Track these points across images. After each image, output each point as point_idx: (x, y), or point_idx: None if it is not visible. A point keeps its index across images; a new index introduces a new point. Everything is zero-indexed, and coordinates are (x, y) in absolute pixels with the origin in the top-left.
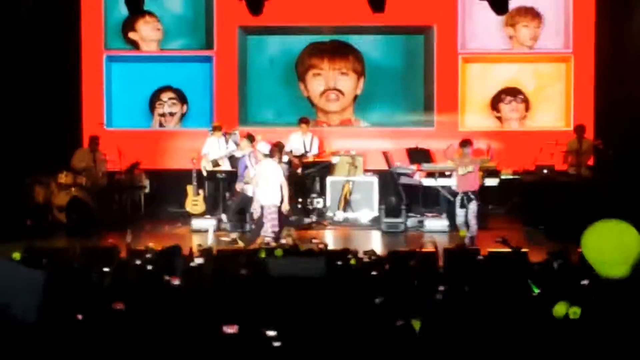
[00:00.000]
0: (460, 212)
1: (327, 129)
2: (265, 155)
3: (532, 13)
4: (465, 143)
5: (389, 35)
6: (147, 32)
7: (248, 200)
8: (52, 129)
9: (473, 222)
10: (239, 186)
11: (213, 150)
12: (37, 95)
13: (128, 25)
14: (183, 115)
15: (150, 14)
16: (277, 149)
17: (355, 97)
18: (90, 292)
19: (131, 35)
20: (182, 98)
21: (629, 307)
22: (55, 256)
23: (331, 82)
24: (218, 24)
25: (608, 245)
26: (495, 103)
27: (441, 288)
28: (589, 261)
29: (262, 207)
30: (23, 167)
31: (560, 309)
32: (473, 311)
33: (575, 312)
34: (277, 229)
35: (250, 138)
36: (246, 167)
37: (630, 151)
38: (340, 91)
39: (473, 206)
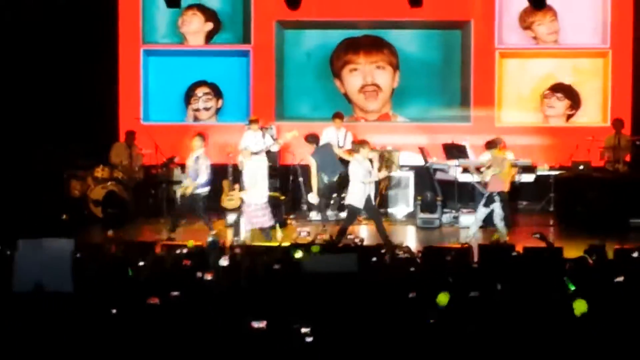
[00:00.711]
0: (482, 210)
1: (362, 124)
2: (253, 153)
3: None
4: (490, 145)
5: (425, 30)
6: (194, 25)
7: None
8: (89, 123)
9: (500, 225)
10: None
11: (251, 145)
12: (75, 89)
13: (178, 17)
14: (218, 110)
15: (199, 6)
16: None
17: (393, 91)
18: (126, 285)
19: (181, 27)
20: (217, 93)
21: None
22: (91, 250)
23: (368, 77)
24: (256, 18)
25: None
26: (542, 98)
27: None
28: None
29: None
30: (60, 161)
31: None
32: (507, 308)
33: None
34: (265, 225)
35: (202, 137)
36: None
37: None
38: (378, 86)
39: (497, 209)
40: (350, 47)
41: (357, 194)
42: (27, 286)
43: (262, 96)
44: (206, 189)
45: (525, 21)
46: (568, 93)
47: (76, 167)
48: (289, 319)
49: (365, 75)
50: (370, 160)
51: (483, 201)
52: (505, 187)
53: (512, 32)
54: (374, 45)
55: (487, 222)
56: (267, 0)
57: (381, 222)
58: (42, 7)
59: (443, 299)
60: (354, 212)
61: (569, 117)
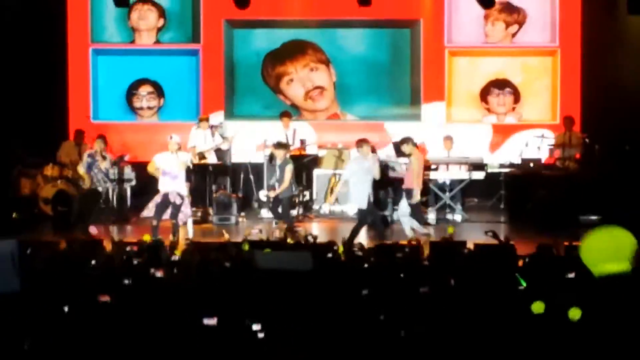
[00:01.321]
0: (404, 205)
1: (313, 122)
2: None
3: (501, 7)
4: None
5: (375, 28)
6: (149, 21)
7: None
8: (39, 121)
9: (405, 219)
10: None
11: (199, 143)
12: (24, 88)
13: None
14: (159, 109)
15: (152, 2)
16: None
17: (334, 85)
18: (77, 284)
19: (134, 22)
20: (159, 91)
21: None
22: (42, 248)
23: (307, 82)
24: (205, 17)
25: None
26: (484, 95)
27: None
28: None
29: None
30: (9, 160)
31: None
32: (459, 305)
33: (574, 314)
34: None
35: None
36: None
37: (616, 145)
38: (320, 87)
39: (404, 204)
40: (275, 60)
41: (361, 195)
42: None
43: (211, 95)
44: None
45: (487, 17)
46: (512, 88)
47: (26, 166)
48: (240, 315)
49: (304, 82)
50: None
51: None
52: (410, 184)
53: (462, 30)
54: (297, 50)
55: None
56: (216, 0)
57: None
58: None
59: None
60: (366, 213)
61: (511, 111)
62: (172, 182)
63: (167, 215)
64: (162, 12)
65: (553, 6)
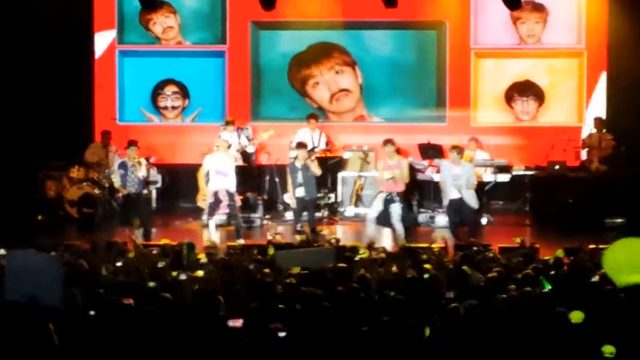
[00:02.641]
0: (375, 208)
1: (337, 124)
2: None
3: (530, 7)
4: (387, 142)
5: (401, 30)
6: (165, 24)
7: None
8: (65, 123)
9: (398, 225)
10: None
11: None
12: (50, 89)
13: (147, 16)
14: (184, 109)
15: (168, 5)
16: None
17: (361, 88)
18: (100, 287)
19: (151, 26)
20: (185, 92)
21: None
22: (66, 251)
23: (333, 85)
24: (231, 19)
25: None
26: (508, 99)
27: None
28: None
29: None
30: (35, 162)
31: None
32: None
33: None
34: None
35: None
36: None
37: None
38: (346, 89)
39: (396, 208)
40: (301, 63)
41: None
42: (17, 296)
43: (237, 97)
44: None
45: (513, 16)
46: (535, 92)
47: (51, 168)
48: (265, 317)
49: (329, 84)
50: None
51: (379, 202)
52: (403, 188)
53: (488, 32)
54: (322, 53)
55: (384, 223)
56: (242, 1)
57: None
58: (16, 7)
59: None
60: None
61: (534, 117)
62: (224, 180)
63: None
64: (175, 10)
65: (579, 8)
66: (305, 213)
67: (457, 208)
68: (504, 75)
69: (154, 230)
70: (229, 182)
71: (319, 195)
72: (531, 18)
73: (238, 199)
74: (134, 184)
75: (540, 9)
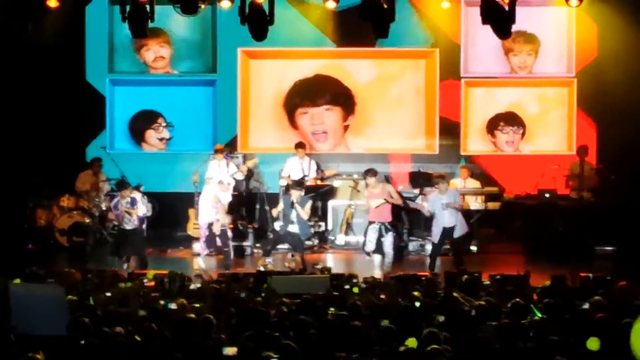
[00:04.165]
0: (373, 241)
1: (326, 153)
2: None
3: (522, 39)
4: (368, 172)
5: (391, 59)
6: (158, 54)
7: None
8: (55, 152)
9: (390, 252)
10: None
11: (214, 173)
12: (40, 118)
13: (142, 41)
14: (169, 140)
15: (165, 35)
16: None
17: (346, 128)
18: (92, 316)
19: (143, 52)
20: (172, 122)
21: None
22: (57, 281)
23: (317, 120)
24: (221, 48)
25: None
26: (491, 128)
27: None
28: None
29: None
30: (26, 191)
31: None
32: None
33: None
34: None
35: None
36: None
37: (632, 175)
38: (325, 132)
39: (389, 238)
40: (301, 90)
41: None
42: (25, 329)
43: (227, 125)
44: None
45: (505, 47)
46: (519, 123)
47: (42, 197)
48: (259, 346)
49: (314, 119)
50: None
51: (373, 233)
52: (391, 217)
53: (478, 61)
54: (321, 86)
55: (378, 251)
56: (232, 30)
57: None
58: (7, 35)
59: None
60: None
61: (516, 149)
62: (215, 215)
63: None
64: (171, 42)
65: (569, 37)
66: (285, 245)
67: (449, 236)
68: (494, 104)
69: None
70: (221, 216)
71: (309, 224)
72: (523, 50)
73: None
74: (131, 220)
75: (532, 40)
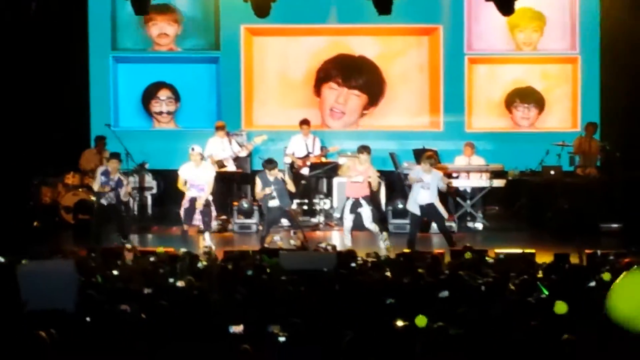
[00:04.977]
0: (349, 217)
1: (330, 131)
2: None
3: (528, 15)
4: (364, 149)
5: (393, 36)
6: (163, 30)
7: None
8: (60, 130)
9: (371, 226)
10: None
11: (217, 151)
12: (45, 96)
13: (149, 16)
14: (175, 113)
15: (175, 13)
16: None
17: (362, 115)
18: (98, 293)
19: (150, 26)
20: (177, 96)
21: None
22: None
23: (340, 98)
24: (224, 25)
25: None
26: (508, 105)
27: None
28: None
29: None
30: (30, 169)
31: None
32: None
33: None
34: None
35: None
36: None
37: (636, 152)
38: (343, 112)
39: (366, 212)
40: (340, 64)
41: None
42: (34, 306)
43: (231, 103)
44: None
45: (510, 23)
46: (536, 99)
47: (46, 174)
48: (264, 322)
49: (338, 97)
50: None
51: (348, 208)
52: (368, 192)
53: (482, 38)
54: (359, 67)
55: (359, 227)
56: (235, 7)
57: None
58: (10, 13)
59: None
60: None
61: (533, 123)
62: (198, 194)
63: (196, 221)
64: (179, 20)
65: (573, 14)
66: (285, 221)
67: (430, 214)
68: (498, 81)
69: (135, 235)
70: (204, 194)
71: (314, 201)
72: (529, 27)
73: (212, 208)
74: (108, 197)
75: (538, 17)
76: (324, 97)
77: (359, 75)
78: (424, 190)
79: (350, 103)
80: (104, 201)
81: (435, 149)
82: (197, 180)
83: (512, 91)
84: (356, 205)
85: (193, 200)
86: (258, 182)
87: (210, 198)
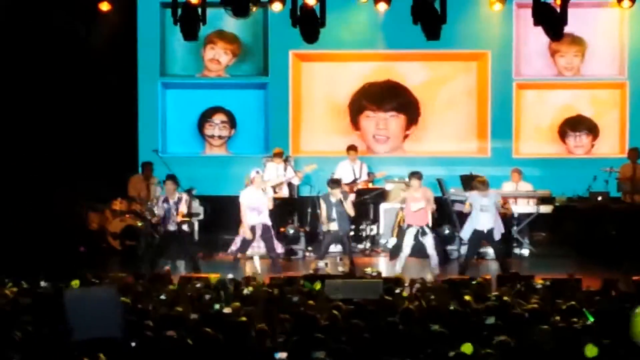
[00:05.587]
0: (409, 245)
1: (377, 157)
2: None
3: (569, 40)
4: (415, 175)
5: (442, 61)
6: (218, 56)
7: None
8: (108, 155)
9: (434, 254)
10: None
11: (272, 177)
12: (93, 121)
13: (211, 37)
14: (229, 139)
15: (237, 42)
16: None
17: (406, 136)
18: (144, 318)
19: (208, 49)
20: (232, 122)
21: None
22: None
23: (381, 124)
24: (272, 50)
25: None
26: (561, 134)
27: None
28: None
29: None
30: (79, 194)
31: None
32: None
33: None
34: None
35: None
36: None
37: None
38: (387, 137)
39: (430, 240)
40: (369, 93)
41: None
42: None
43: (279, 128)
44: None
45: (551, 49)
46: (588, 127)
47: (94, 200)
48: (309, 348)
49: (378, 123)
50: None
51: (410, 237)
52: (429, 220)
53: (530, 63)
54: (389, 92)
55: (420, 254)
56: (284, 33)
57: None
58: (60, 40)
59: (592, 351)
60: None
61: (589, 151)
62: (258, 217)
63: (254, 249)
64: (237, 51)
65: (622, 39)
66: (339, 246)
67: (486, 239)
68: (545, 107)
69: (182, 262)
70: (264, 217)
71: (360, 227)
72: (570, 51)
73: (272, 232)
74: (174, 221)
75: (579, 42)
76: (363, 128)
77: (390, 98)
78: (484, 213)
79: (391, 126)
80: (171, 227)
81: (483, 175)
82: (256, 203)
83: (563, 121)
84: (419, 233)
85: (253, 229)
86: (323, 205)
87: (270, 223)
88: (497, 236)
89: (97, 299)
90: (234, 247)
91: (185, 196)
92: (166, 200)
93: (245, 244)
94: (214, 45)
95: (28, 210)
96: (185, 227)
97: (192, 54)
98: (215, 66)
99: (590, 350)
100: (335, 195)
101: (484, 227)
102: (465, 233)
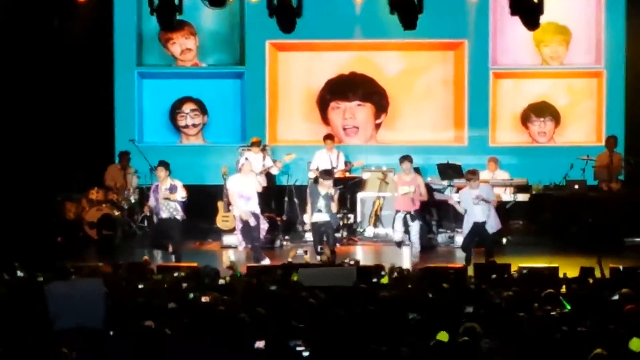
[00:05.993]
0: (400, 230)
1: (354, 146)
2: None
3: (553, 29)
4: (406, 158)
5: (418, 51)
6: (184, 46)
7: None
8: (84, 145)
9: (416, 242)
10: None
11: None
12: (69, 111)
13: (167, 35)
14: (203, 126)
15: (189, 26)
16: None
17: (377, 125)
18: (122, 308)
19: (170, 46)
20: (203, 109)
21: None
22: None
23: (348, 114)
24: (249, 40)
25: None
26: (524, 120)
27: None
28: None
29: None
30: (54, 184)
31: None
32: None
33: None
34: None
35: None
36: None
37: None
38: (356, 127)
39: (415, 227)
40: (333, 86)
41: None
42: (63, 325)
43: (256, 118)
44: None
45: (536, 38)
46: (550, 112)
47: (70, 190)
48: (286, 338)
49: (345, 114)
50: None
51: (399, 222)
52: (418, 206)
53: (506, 52)
54: (353, 83)
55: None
56: (260, 23)
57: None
58: (36, 31)
59: (637, 344)
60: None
61: (551, 138)
62: (246, 204)
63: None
64: (195, 32)
65: (598, 28)
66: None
67: (480, 231)
68: (522, 95)
69: (158, 251)
70: (252, 205)
71: (338, 216)
72: (555, 41)
73: (264, 221)
74: (170, 209)
75: (563, 31)
76: (332, 120)
77: (354, 89)
78: (478, 207)
79: (359, 115)
80: (164, 214)
81: (459, 164)
82: (245, 191)
83: (526, 107)
84: (407, 218)
85: (241, 218)
86: (309, 195)
87: (258, 210)
88: (491, 229)
89: (83, 292)
90: (239, 245)
91: (179, 182)
92: (155, 190)
93: (245, 232)
94: (174, 40)
95: (4, 200)
96: (178, 216)
97: (164, 48)
98: (188, 55)
99: (636, 344)
100: (325, 187)
101: (481, 219)
102: (464, 229)
